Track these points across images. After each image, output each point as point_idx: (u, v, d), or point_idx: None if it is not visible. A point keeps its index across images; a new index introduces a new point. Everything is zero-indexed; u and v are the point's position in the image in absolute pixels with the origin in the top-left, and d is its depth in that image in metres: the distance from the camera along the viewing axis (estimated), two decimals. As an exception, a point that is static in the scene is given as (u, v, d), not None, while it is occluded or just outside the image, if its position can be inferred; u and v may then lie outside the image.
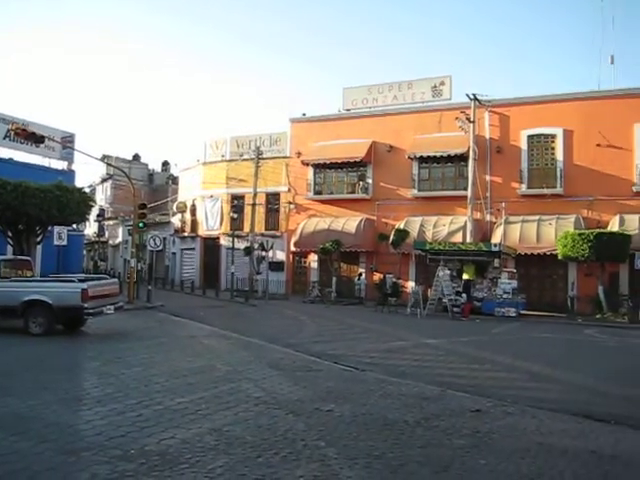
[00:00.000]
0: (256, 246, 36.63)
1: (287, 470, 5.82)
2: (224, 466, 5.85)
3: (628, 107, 30.80)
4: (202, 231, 43.71)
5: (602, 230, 28.32)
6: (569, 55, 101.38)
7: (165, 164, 74.11)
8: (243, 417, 7.80)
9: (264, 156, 38.76)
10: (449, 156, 33.86)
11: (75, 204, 26.32)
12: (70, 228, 30.56)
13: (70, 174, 36.18)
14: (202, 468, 5.77)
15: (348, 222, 35.67)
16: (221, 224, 42.11)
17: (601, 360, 15.56)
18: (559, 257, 28.71)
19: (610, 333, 22.05)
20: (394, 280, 30.60)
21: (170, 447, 6.40)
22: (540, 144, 33.08)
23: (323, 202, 37.99)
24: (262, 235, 38.22)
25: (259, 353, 13.69)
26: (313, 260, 37.62)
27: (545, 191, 31.72)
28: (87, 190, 44.53)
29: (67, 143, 34.72)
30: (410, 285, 32.78)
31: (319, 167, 38.15)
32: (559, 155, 32.24)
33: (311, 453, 6.37)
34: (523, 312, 28.24)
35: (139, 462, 5.90)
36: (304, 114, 40.58)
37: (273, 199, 40.30)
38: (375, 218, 36.04)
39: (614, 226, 29.27)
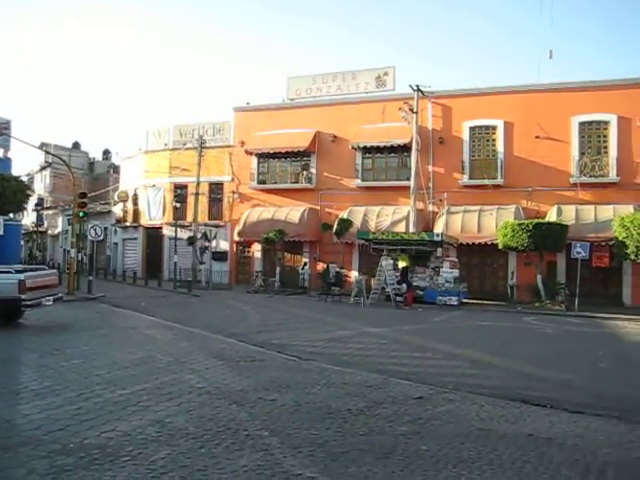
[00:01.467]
0: (199, 236, 36.31)
1: (230, 460, 5.80)
2: (166, 458, 5.80)
3: (566, 100, 31.56)
4: (144, 221, 43.10)
5: (541, 220, 29.01)
6: (512, 48, 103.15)
7: (106, 152, 72.80)
8: (186, 408, 7.74)
9: (207, 145, 38.39)
10: (392, 146, 34.16)
11: (12, 193, 25.68)
12: (7, 218, 29.76)
13: (6, 162, 35.28)
14: (143, 460, 5.70)
15: (292, 212, 35.68)
16: (164, 214, 41.61)
17: (539, 347, 15.94)
18: (499, 247, 29.32)
19: (548, 320, 22.64)
20: (337, 270, 30.75)
21: (111, 440, 6.31)
22: (481, 135, 33.66)
23: (267, 192, 37.89)
24: (205, 225, 37.91)
25: (202, 343, 13.60)
26: (257, 250, 37.53)
27: (486, 182, 32.33)
28: (25, 179, 43.50)
29: (2, 130, 33.78)
30: (353, 274, 33.00)
31: (263, 156, 38.02)
32: (500, 146, 32.86)
33: (254, 443, 6.37)
34: (465, 300, 28.77)
35: (78, 456, 5.78)
36: (248, 103, 40.29)
37: (216, 188, 39.99)
38: (319, 208, 36.14)
39: (552, 216, 30.03)
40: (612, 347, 15.85)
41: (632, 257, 26.65)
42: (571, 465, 6.11)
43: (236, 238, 37.40)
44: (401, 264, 29.01)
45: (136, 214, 43.97)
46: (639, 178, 30.39)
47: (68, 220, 40.44)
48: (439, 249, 29.29)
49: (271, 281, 34.04)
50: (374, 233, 30.48)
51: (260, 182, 38.30)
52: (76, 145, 70.10)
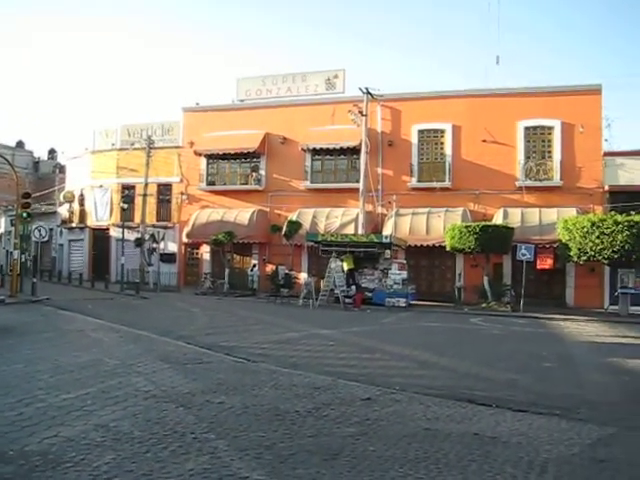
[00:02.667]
0: (147, 237, 35.88)
1: (176, 464, 5.74)
2: (110, 463, 5.70)
3: (512, 105, 32.20)
4: (91, 222, 42.33)
5: (487, 223, 29.50)
6: (461, 53, 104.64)
7: (52, 152, 71.27)
8: (131, 412, 7.62)
9: (156, 145, 37.89)
10: (342, 149, 34.32)
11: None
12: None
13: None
14: (87, 466, 5.58)
15: (241, 213, 35.53)
16: (111, 215, 40.95)
17: (485, 347, 16.19)
18: (447, 249, 29.72)
19: (494, 321, 23.02)
20: (287, 271, 30.76)
21: (53, 446, 6.16)
22: (430, 139, 34.07)
23: (216, 193, 37.65)
24: (153, 226, 37.51)
25: (149, 346, 13.43)
26: (205, 251, 37.25)
27: (434, 184, 32.70)
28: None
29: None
30: (303, 276, 33.01)
31: (212, 157, 37.76)
32: (448, 150, 33.32)
33: (201, 446, 6.31)
34: (413, 302, 29.04)
35: (18, 463, 5.63)
36: (197, 103, 39.99)
37: (165, 190, 39.54)
38: (268, 209, 36.07)
39: (498, 219, 30.59)
40: (556, 347, 16.16)
41: (575, 259, 27.33)
42: (515, 463, 6.22)
43: (185, 240, 37.07)
44: (346, 266, 29.10)
45: (82, 215, 43.16)
46: (582, 182, 31.15)
47: (11, 221, 39.52)
48: (388, 251, 29.50)
49: (220, 283, 33.81)
50: (323, 235, 30.55)
51: (209, 183, 38.03)
52: (20, 144, 68.46)
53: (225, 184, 37.85)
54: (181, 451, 6.13)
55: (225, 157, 37.28)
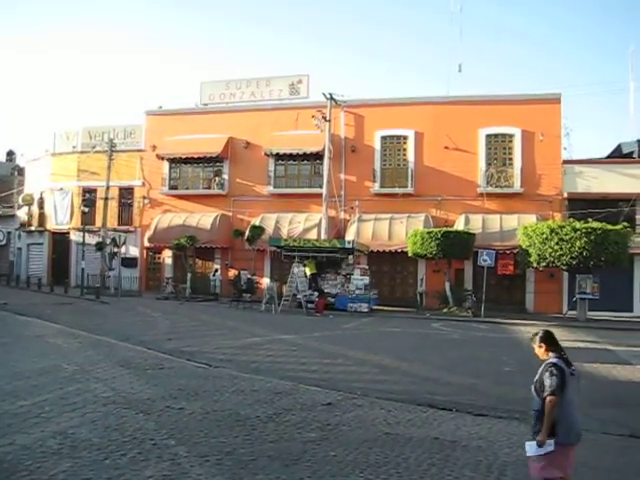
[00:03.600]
0: (108, 241, 35.39)
1: (135, 471, 5.69)
2: (67, 471, 5.62)
3: (474, 113, 32.57)
4: (51, 225, 41.61)
5: (449, 229, 29.75)
6: (424, 61, 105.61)
7: (10, 154, 69.79)
8: (90, 418, 7.54)
9: (118, 149, 37.41)
10: (305, 154, 34.32)
11: None
12: None
13: None
14: (43, 475, 5.50)
15: (203, 218, 35.31)
16: (71, 218, 40.32)
17: (446, 352, 16.31)
18: (409, 254, 29.88)
19: (455, 326, 23.22)
20: (249, 276, 30.64)
21: (8, 454, 6.06)
22: (393, 145, 34.27)
23: (178, 197, 37.36)
24: (115, 230, 37.00)
25: (109, 351, 13.28)
26: (167, 256, 36.91)
27: (397, 190, 32.90)
28: None
29: None
30: (265, 281, 32.89)
31: (175, 162, 37.44)
32: (410, 156, 33.54)
33: (161, 452, 6.26)
34: (375, 307, 29.14)
35: (-28, 472, 5.54)
36: (160, 107, 39.68)
37: (127, 193, 39.09)
38: (231, 214, 35.90)
39: (460, 225, 30.88)
40: (516, 352, 16.33)
41: (534, 265, 27.70)
42: (474, 466, 6.30)
43: (146, 244, 36.70)
44: (308, 271, 29.11)
45: (42, 218, 42.42)
46: (541, 189, 31.64)
47: (-33, 224, 38.75)
48: (350, 256, 29.59)
49: (182, 288, 33.52)
50: (286, 240, 30.49)
51: (172, 187, 37.72)
52: (-24, 146, 67.14)
53: (188, 188, 37.59)
54: (140, 458, 6.08)
55: (188, 161, 37.00)
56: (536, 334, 5.50)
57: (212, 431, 7.20)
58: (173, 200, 37.39)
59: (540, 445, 5.02)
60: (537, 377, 5.18)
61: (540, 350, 5.34)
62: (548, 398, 5.01)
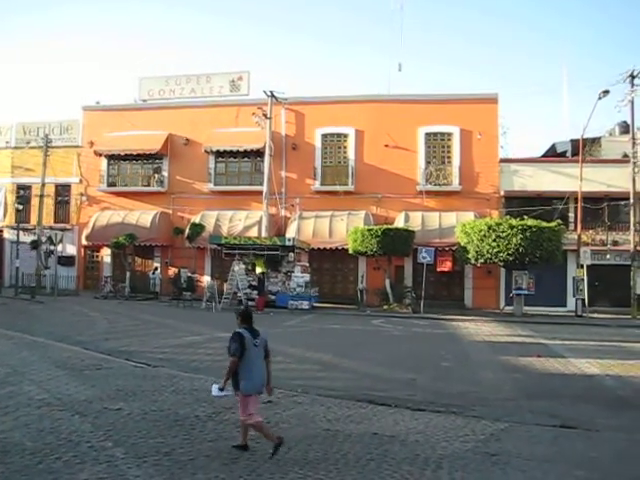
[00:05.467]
0: (44, 240, 34.55)
1: (70, 474, 5.59)
2: (-1, 476, 5.49)
3: (414, 111, 32.97)
4: (-18, 223, 40.48)
5: (389, 226, 30.05)
6: (365, 59, 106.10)
7: (-61, 149, 67.68)
8: (23, 422, 7.36)
9: (54, 144, 36.54)
10: (245, 151, 34.23)
11: None
12: None
13: None
14: (-27, 481, 5.36)
15: (143, 215, 34.83)
16: (5, 216, 39.22)
17: (386, 348, 16.49)
18: (350, 251, 30.09)
19: (395, 323, 23.49)
20: (189, 274, 30.36)
21: (-63, 460, 5.88)
22: (333, 142, 34.43)
23: (117, 194, 36.74)
24: (51, 228, 36.15)
25: (44, 352, 12.98)
26: (106, 254, 36.27)
27: (337, 188, 33.09)
28: None
29: None
30: (206, 279, 32.69)
31: (113, 158, 36.79)
32: (351, 154, 33.77)
33: (97, 455, 6.16)
34: (316, 304, 29.23)
35: None
36: (98, 102, 38.92)
37: (63, 190, 38.23)
38: (171, 212, 35.52)
39: (400, 222, 31.25)
40: (454, 347, 16.65)
41: (472, 261, 28.23)
42: (412, 460, 6.39)
43: (84, 242, 35.96)
44: (258, 269, 29.09)
45: (-27, 216, 41.20)
46: (479, 187, 32.25)
47: None
48: (291, 254, 29.62)
49: (121, 286, 33.00)
50: (226, 238, 30.30)
51: (110, 184, 37.06)
52: None
53: (127, 185, 36.98)
54: (76, 461, 5.97)
55: (127, 158, 36.42)
56: (238, 310, 7.24)
57: (150, 431, 7.12)
58: (112, 197, 36.76)
59: (221, 389, 6.61)
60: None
61: (237, 321, 6.92)
62: (230, 359, 6.55)
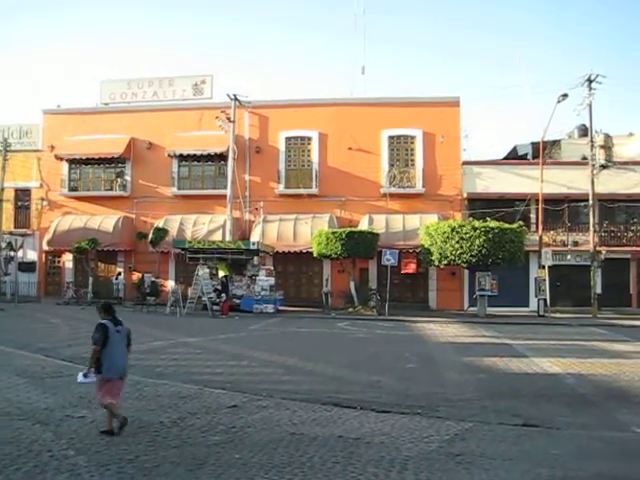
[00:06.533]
0: (4, 245, 33.96)
1: (31, 485, 5.48)
2: (-45, 490, 5.36)
3: (377, 115, 33.19)
4: (-60, 229, 39.62)
5: (353, 229, 30.18)
6: (328, 63, 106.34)
7: None
8: (-18, 432, 7.20)
9: (13, 148, 35.93)
10: (209, 155, 34.10)
11: None
12: None
13: None
14: None
15: (105, 220, 34.45)
16: (-38, 221, 38.51)
17: (351, 351, 16.53)
18: (314, 254, 30.14)
19: (360, 325, 23.57)
20: (153, 279, 30.19)
21: None
22: (297, 146, 34.49)
23: (79, 199, 36.27)
24: (11, 234, 35.54)
25: (4, 360, 12.73)
26: (68, 260, 35.79)
27: (301, 191, 33.15)
28: None
29: None
30: (170, 284, 32.48)
31: (75, 162, 36.34)
32: (314, 157, 33.86)
33: (59, 464, 6.05)
34: (281, 308, 29.26)
35: None
36: (59, 106, 38.43)
37: (23, 195, 37.62)
38: (134, 216, 35.19)
39: (364, 225, 31.41)
40: (418, 348, 16.74)
41: (436, 263, 28.49)
42: (377, 462, 6.40)
43: (45, 247, 35.42)
44: (221, 273, 28.97)
45: None
46: (442, 190, 32.58)
47: None
48: (255, 257, 29.59)
49: (83, 292, 32.61)
50: (190, 242, 30.15)
51: (72, 189, 36.59)
52: None
53: (89, 190, 36.55)
54: (37, 471, 5.85)
55: (89, 162, 36.00)
56: (100, 305, 7.86)
57: (114, 439, 7.03)
58: (73, 202, 36.28)
59: (85, 375, 7.24)
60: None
61: (100, 315, 7.56)
62: (92, 347, 7.21)
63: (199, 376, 11.48)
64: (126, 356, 7.60)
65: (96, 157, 35.10)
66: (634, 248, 32.04)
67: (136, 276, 33.05)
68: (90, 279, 32.99)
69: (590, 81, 29.90)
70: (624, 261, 32.62)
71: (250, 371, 12.55)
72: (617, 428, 8.31)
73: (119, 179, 35.90)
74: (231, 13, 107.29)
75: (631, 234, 32.30)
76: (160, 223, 33.34)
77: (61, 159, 35.96)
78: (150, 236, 32.45)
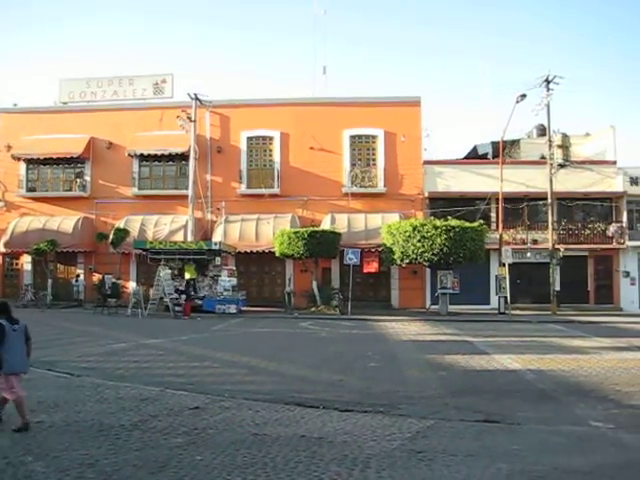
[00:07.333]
0: (-42, 247, 33.33)
1: (-15, 492, 5.37)
2: None
3: (338, 114, 33.27)
4: None
5: (315, 228, 30.21)
6: (289, 63, 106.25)
7: None
8: (-63, 440, 7.04)
9: (-33, 148, 35.26)
10: (170, 155, 33.81)
11: None
12: None
13: None
14: None
15: (65, 221, 33.93)
16: None
17: (313, 350, 16.55)
18: (277, 254, 30.08)
19: (323, 325, 23.60)
20: (114, 280, 29.79)
21: None
22: (259, 145, 34.40)
23: (37, 200, 35.65)
24: (-35, 235, 34.86)
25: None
26: (26, 261, 35.13)
27: (263, 191, 33.08)
28: None
29: None
30: (131, 285, 32.15)
31: (32, 162, 35.70)
32: (276, 156, 33.82)
33: (15, 471, 5.93)
34: (244, 308, 29.15)
35: None
36: (15, 104, 37.80)
37: (-21, 196, 36.89)
38: (94, 217, 34.72)
39: (326, 224, 31.45)
40: (381, 347, 16.83)
41: (398, 262, 28.66)
42: (340, 461, 6.42)
43: (2, 249, 34.71)
44: (187, 275, 28.81)
45: None
46: (404, 189, 32.80)
47: None
48: (217, 258, 29.44)
49: (42, 294, 32.06)
50: (151, 242, 29.87)
51: (29, 190, 35.94)
52: None
53: (47, 190, 35.96)
54: (-8, 478, 5.74)
55: (47, 162, 35.41)
56: None
57: (73, 443, 6.93)
58: (31, 203, 35.64)
59: None
60: None
61: None
62: None
63: (161, 378, 11.39)
64: (24, 352, 7.87)
65: (55, 157, 34.52)
66: (591, 246, 32.64)
67: (96, 277, 32.64)
68: (49, 281, 32.49)
69: (548, 82, 30.38)
70: (582, 258, 33.23)
71: (213, 372, 12.48)
72: (575, 422, 8.45)
73: (78, 179, 35.38)
74: (189, 15, 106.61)
75: (588, 232, 32.87)
76: (121, 224, 32.96)
77: (18, 159, 35.29)
78: (111, 237, 32.05)
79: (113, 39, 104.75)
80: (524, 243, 32.53)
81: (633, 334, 21.03)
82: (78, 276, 33.40)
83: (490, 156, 35.81)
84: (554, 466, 6.41)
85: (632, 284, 33.07)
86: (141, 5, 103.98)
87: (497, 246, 30.51)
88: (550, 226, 30.86)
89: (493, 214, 32.80)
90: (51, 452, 6.59)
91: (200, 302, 28.41)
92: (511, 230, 32.50)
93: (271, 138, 34.21)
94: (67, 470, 5.98)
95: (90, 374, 11.71)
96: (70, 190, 35.53)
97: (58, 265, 34.73)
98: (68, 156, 34.34)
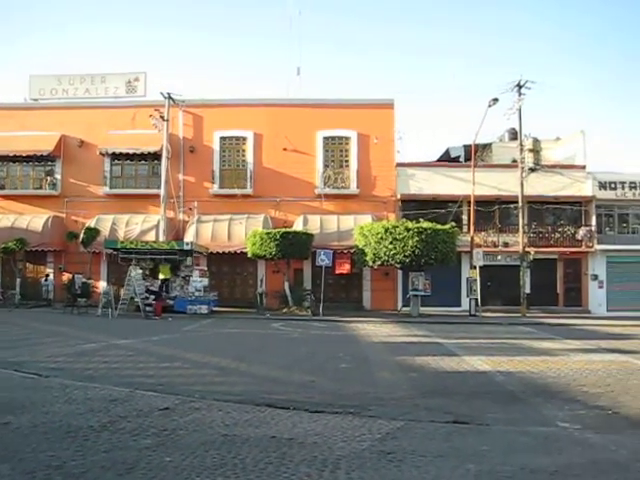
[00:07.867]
0: None
1: (-52, 496, 5.29)
2: None
3: (312, 116, 33.33)
4: None
5: (288, 229, 30.22)
6: (264, 64, 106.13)
7: None
8: None
9: None
10: (142, 154, 33.65)
11: None
12: None
13: None
14: None
15: (34, 219, 33.52)
16: None
17: (285, 351, 16.51)
18: (249, 255, 30.03)
19: (295, 326, 23.59)
20: (84, 280, 29.49)
21: None
22: (232, 145, 34.33)
23: (6, 198, 35.20)
24: None
25: None
26: (-6, 261, 34.71)
27: (236, 191, 33.02)
28: None
29: None
30: (101, 285, 31.88)
31: (2, 160, 35.26)
32: (249, 157, 33.79)
33: (-20, 473, 5.85)
34: (215, 309, 29.07)
35: None
36: (-17, 101, 37.28)
37: (-54, 194, 36.30)
38: (64, 216, 34.38)
39: (298, 225, 31.49)
40: (352, 348, 16.86)
41: (370, 264, 28.78)
42: (310, 462, 6.41)
43: (-31, 248, 34.27)
44: (161, 276, 28.65)
45: None
46: (377, 191, 32.95)
47: None
48: (189, 258, 29.32)
49: (10, 294, 31.66)
50: (122, 242, 29.62)
51: (-2, 187, 35.51)
52: None
53: (16, 188, 35.51)
54: (-45, 482, 5.66)
55: (16, 159, 34.97)
56: None
57: (40, 445, 6.84)
58: (0, 201, 35.17)
59: None
60: None
61: None
62: None
63: (131, 378, 11.28)
64: None
65: (24, 154, 34.11)
66: (561, 249, 33.10)
67: (66, 277, 32.29)
68: (18, 280, 32.08)
69: (520, 86, 30.73)
70: (551, 261, 33.66)
71: (183, 373, 12.41)
72: (543, 423, 8.54)
73: (49, 177, 35.00)
74: (165, 11, 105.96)
75: (558, 235, 33.31)
76: (91, 223, 32.65)
77: (-14, 156, 34.84)
78: (81, 236, 31.72)
79: (86, 39, 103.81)
80: (495, 246, 32.85)
81: (600, 336, 21.32)
82: (47, 275, 33.04)
83: (462, 159, 36.12)
84: (521, 466, 6.47)
85: (600, 287, 33.58)
86: (115, 3, 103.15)
87: (468, 248, 30.75)
88: (521, 229, 31.21)
89: (465, 217, 33.07)
90: (17, 454, 6.49)
91: (171, 302, 28.26)
92: (482, 233, 32.80)
93: (244, 138, 34.15)
94: (34, 472, 5.90)
95: (58, 375, 11.56)
96: (40, 188, 35.13)
97: (27, 264, 34.31)
98: (38, 154, 33.98)
